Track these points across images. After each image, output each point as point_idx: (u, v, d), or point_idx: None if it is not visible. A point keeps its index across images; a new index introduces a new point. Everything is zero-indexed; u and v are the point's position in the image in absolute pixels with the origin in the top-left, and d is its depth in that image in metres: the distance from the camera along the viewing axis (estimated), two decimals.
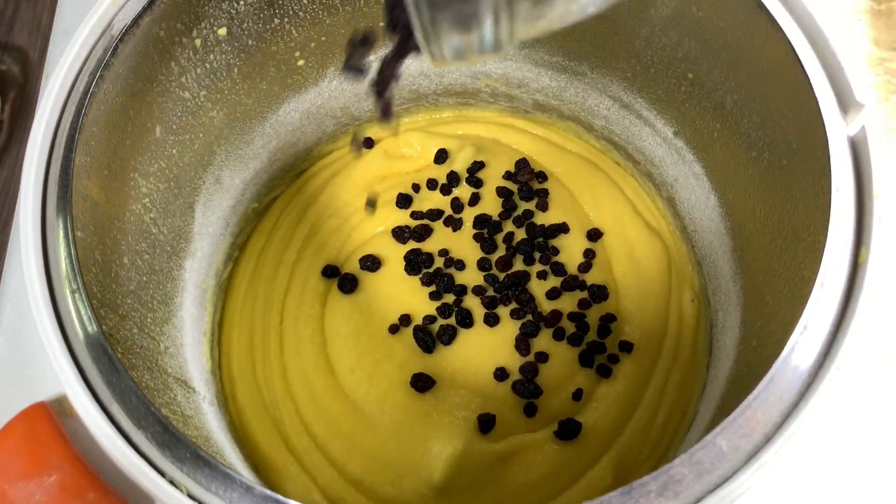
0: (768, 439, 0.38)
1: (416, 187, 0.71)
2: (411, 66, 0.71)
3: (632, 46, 0.61)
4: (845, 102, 0.45)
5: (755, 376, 0.40)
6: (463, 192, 0.71)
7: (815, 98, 0.45)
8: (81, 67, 0.47)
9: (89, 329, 0.42)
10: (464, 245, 0.69)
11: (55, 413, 0.41)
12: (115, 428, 0.40)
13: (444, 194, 0.71)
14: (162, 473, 0.39)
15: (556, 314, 0.65)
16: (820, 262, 0.41)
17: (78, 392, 0.40)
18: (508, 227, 0.70)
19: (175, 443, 0.39)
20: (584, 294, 0.66)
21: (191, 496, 0.38)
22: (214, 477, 0.39)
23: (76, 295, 0.42)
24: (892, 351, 0.41)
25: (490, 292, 0.67)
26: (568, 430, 0.60)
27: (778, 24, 0.47)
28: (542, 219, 0.70)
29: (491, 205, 0.71)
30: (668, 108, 0.64)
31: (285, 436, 0.62)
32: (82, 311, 0.42)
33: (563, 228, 0.69)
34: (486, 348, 0.64)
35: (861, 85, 0.44)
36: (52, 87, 0.46)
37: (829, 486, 0.38)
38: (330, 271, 0.68)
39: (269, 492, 0.37)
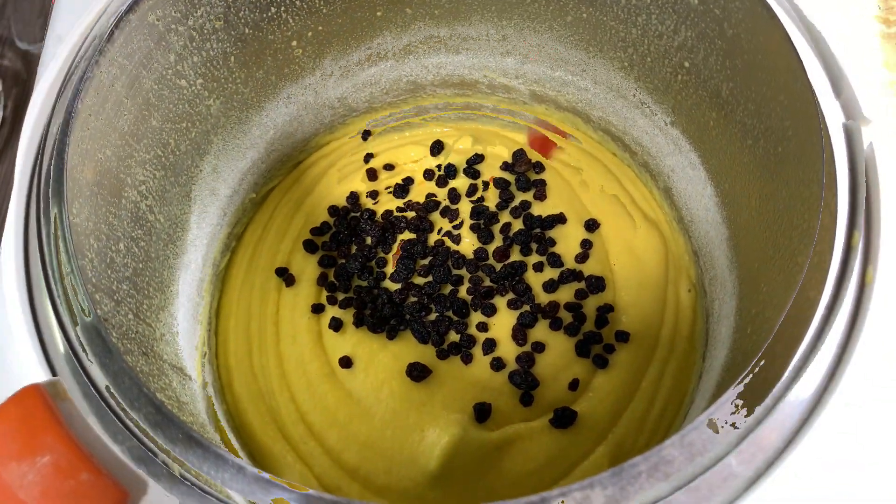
0: (759, 422, 0.38)
1: (411, 179, 0.71)
2: (409, 58, 0.71)
3: (628, 35, 0.61)
4: (840, 89, 0.45)
5: (750, 363, 0.40)
6: (460, 182, 0.71)
7: (810, 85, 0.44)
8: (78, 53, 0.48)
9: (84, 311, 0.42)
10: (460, 235, 0.69)
11: (49, 395, 0.41)
12: (108, 410, 0.40)
13: (440, 185, 0.71)
14: (154, 455, 0.39)
15: (553, 304, 0.65)
16: (825, 281, 0.41)
17: (72, 375, 0.41)
18: (505, 217, 0.70)
19: (167, 424, 0.39)
20: (582, 284, 0.66)
21: (183, 477, 0.38)
22: (206, 458, 0.39)
23: (70, 278, 0.43)
24: (892, 342, 0.41)
25: (487, 283, 0.67)
26: (563, 419, 0.60)
27: (773, 12, 0.47)
28: (539, 209, 0.70)
29: (488, 195, 0.71)
30: (664, 97, 0.63)
31: (281, 424, 0.62)
32: (78, 294, 0.42)
33: (560, 219, 0.69)
34: (482, 338, 0.64)
35: (854, 69, 0.44)
36: (49, 71, 0.46)
37: (824, 472, 0.38)
38: (326, 261, 0.68)
39: (259, 472, 0.37)
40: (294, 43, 0.64)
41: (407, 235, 0.69)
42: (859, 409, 0.38)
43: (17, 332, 0.42)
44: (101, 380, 0.41)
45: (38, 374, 0.41)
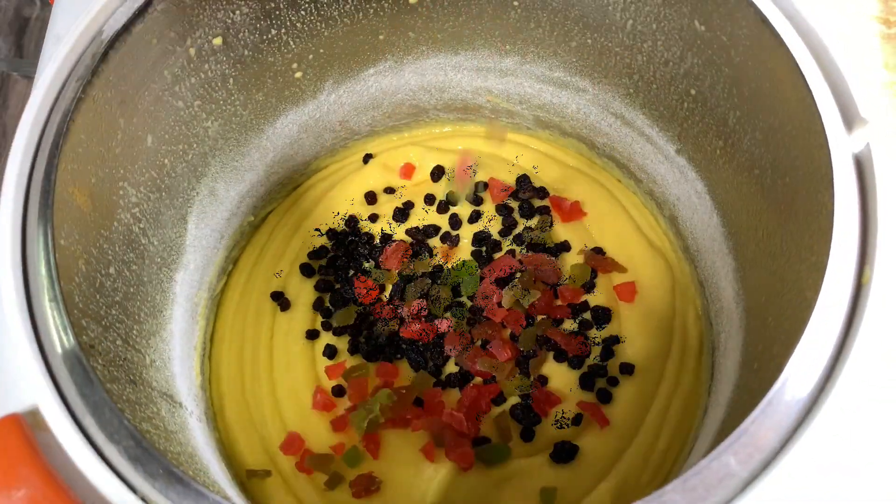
0: (766, 465, 0.36)
1: (411, 203, 0.70)
2: (411, 81, 0.70)
3: (634, 62, 0.60)
4: (849, 118, 0.43)
5: (756, 400, 0.38)
6: (462, 209, 0.70)
7: (819, 114, 0.43)
8: (70, 72, 0.47)
9: (65, 340, 0.41)
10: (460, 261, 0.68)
11: (28, 426, 0.40)
12: (88, 442, 0.39)
13: (441, 212, 0.70)
14: (134, 490, 0.38)
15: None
16: (822, 282, 0.39)
17: (51, 404, 0.39)
18: (508, 244, 0.68)
19: (147, 458, 0.38)
20: (587, 315, 0.65)
21: None
22: (187, 494, 0.37)
23: (53, 304, 0.41)
24: (889, 342, 0.40)
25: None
26: (563, 453, 0.58)
27: (781, 39, 0.46)
28: (543, 237, 0.68)
29: (491, 222, 0.70)
30: (670, 125, 0.62)
31: (272, 454, 0.60)
32: (59, 322, 0.41)
33: (564, 247, 0.67)
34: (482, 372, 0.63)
35: (865, 100, 0.42)
36: (38, 92, 0.45)
37: (821, 472, 0.37)
38: (322, 286, 0.67)
39: None
40: (294, 65, 0.63)
41: (404, 256, 0.68)
42: (856, 410, 0.37)
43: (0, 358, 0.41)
44: (82, 410, 0.39)
45: (16, 403, 0.40)
